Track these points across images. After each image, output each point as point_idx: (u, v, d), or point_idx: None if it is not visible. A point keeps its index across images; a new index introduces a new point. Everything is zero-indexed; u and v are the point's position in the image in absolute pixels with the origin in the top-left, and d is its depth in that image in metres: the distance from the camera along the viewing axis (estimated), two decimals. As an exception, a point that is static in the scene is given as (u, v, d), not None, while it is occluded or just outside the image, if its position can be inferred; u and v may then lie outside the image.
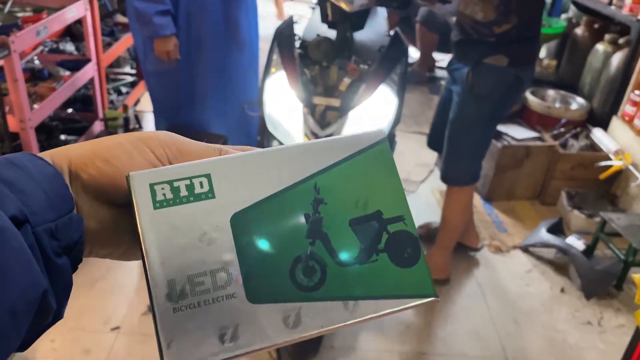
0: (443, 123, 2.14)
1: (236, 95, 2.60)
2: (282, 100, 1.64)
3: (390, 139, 1.68)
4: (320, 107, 1.60)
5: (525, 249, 2.57)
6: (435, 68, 4.75)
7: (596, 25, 3.46)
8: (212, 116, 2.64)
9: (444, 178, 2.12)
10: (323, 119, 1.59)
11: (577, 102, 3.24)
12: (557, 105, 3.26)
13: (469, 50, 1.87)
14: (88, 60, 2.73)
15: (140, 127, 2.80)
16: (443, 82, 3.92)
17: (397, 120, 1.68)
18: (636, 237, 2.26)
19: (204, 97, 2.57)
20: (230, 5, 2.42)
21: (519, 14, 1.75)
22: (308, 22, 2.33)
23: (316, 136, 1.55)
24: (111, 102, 3.31)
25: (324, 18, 1.74)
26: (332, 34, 1.75)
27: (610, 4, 3.11)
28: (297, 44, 1.75)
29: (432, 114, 3.87)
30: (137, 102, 3.64)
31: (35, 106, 2.19)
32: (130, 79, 3.67)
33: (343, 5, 1.57)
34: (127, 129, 2.73)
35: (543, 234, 2.54)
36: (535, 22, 1.85)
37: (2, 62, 1.94)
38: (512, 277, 2.38)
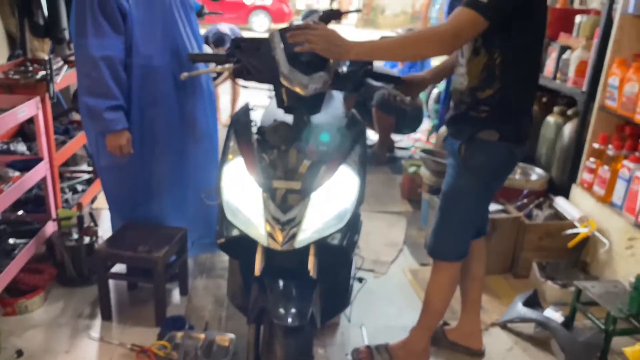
0: None
1: (194, 186, 2.53)
2: (240, 187, 1.58)
3: (355, 219, 1.62)
4: (281, 191, 1.53)
5: (503, 326, 2.47)
6: (395, 148, 4.84)
7: (544, 99, 3.61)
8: (170, 209, 2.55)
9: (432, 252, 2.03)
10: (284, 203, 1.52)
11: (536, 173, 3.29)
12: (518, 177, 3.30)
13: (461, 126, 1.86)
14: (40, 160, 2.64)
15: (96, 225, 2.67)
16: (404, 161, 3.97)
17: (360, 200, 1.63)
18: (614, 305, 2.20)
19: (160, 190, 2.50)
20: (185, 97, 2.41)
21: (503, 80, 1.75)
22: (265, 109, 2.33)
23: (278, 222, 1.48)
24: (66, 201, 3.19)
25: (280, 103, 1.73)
26: (289, 118, 1.73)
27: (554, 78, 3.25)
28: (254, 129, 1.72)
29: (395, 193, 3.89)
30: (94, 200, 3.52)
31: (-21, 210, 2.05)
32: (86, 176, 3.57)
33: (298, 90, 1.56)
34: (81, 228, 2.60)
35: (520, 309, 2.46)
36: (521, 91, 1.82)
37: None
38: (494, 356, 2.26)
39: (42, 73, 2.78)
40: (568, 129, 3.16)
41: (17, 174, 2.49)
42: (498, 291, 2.74)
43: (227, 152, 1.67)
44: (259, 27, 13.93)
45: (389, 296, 2.61)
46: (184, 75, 1.75)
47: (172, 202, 2.54)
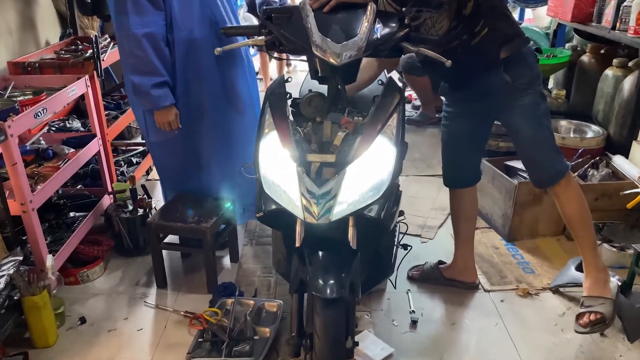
0: (457, 158, 2.24)
1: (241, 158, 2.57)
2: (276, 161, 1.58)
3: (392, 189, 1.60)
4: (315, 164, 1.53)
5: (555, 290, 2.41)
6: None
7: (602, 51, 3.40)
8: (219, 180, 2.61)
9: (545, 182, 2.03)
10: (319, 177, 1.52)
11: (593, 131, 3.13)
12: (572, 135, 3.15)
13: (472, 61, 1.89)
14: (93, 136, 2.75)
15: (150, 198, 2.78)
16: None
17: (397, 171, 1.60)
18: (674, 269, 2.10)
19: (209, 162, 2.55)
20: (226, 69, 2.42)
21: None
22: (304, 80, 2.31)
23: (313, 195, 1.48)
24: (122, 173, 3.32)
25: (314, 74, 1.71)
26: (324, 89, 1.71)
27: (613, 28, 3.04)
28: (289, 102, 1.71)
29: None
30: (149, 171, 3.65)
31: (39, 187, 2.17)
32: (141, 148, 3.70)
33: (331, 60, 1.53)
34: (135, 200, 2.71)
35: (573, 273, 2.38)
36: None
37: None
38: (545, 322, 2.22)
39: (90, 52, 2.86)
40: (628, 82, 2.97)
41: (72, 150, 2.61)
42: (550, 254, 2.66)
43: (263, 126, 1.68)
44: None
45: (435, 261, 2.60)
46: (218, 50, 1.75)
47: (221, 174, 2.60)
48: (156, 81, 2.21)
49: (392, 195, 1.59)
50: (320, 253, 1.57)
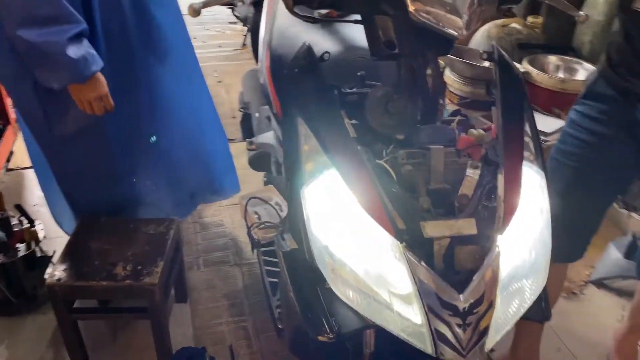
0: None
1: (180, 125, 1.83)
2: (350, 232, 0.82)
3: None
4: (442, 243, 0.79)
5: (599, 284, 1.98)
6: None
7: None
8: (153, 174, 1.78)
9: None
10: (449, 268, 0.78)
11: (585, 69, 2.65)
12: (562, 75, 2.66)
13: None
14: None
15: (32, 224, 1.79)
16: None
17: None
18: None
19: (143, 158, 1.71)
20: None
21: None
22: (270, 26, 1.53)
23: (455, 310, 0.75)
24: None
25: (374, 45, 0.91)
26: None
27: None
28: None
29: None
30: (9, 158, 2.55)
31: None
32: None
33: (451, 30, 0.76)
34: (9, 234, 1.72)
35: (621, 261, 1.95)
36: None
37: None
38: (599, 331, 1.77)
39: None
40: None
41: None
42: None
43: (296, 153, 0.88)
44: None
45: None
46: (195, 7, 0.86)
47: (156, 163, 1.77)
48: (72, 32, 1.26)
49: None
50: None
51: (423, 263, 0.76)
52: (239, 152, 2.15)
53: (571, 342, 1.74)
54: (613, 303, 1.91)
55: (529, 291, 0.83)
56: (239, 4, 3.98)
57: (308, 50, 0.96)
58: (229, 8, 4.78)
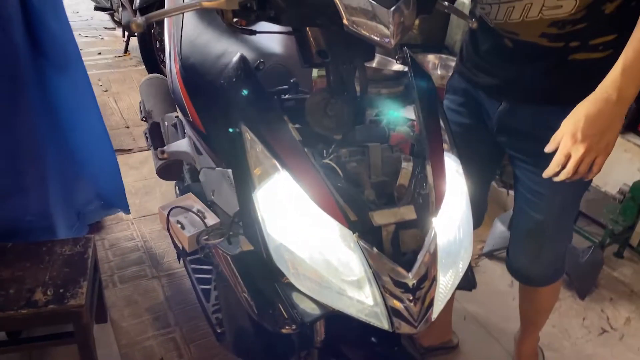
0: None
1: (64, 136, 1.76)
2: (301, 226, 0.88)
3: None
4: (388, 229, 0.88)
5: (491, 256, 2.23)
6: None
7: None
8: (57, 195, 1.69)
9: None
10: (396, 251, 0.88)
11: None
12: (439, 72, 2.92)
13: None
14: None
15: None
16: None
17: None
18: (607, 216, 2.07)
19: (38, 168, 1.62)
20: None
21: None
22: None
23: (405, 287, 0.85)
24: None
25: (307, 55, 0.98)
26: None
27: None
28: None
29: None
30: None
31: None
32: None
33: (378, 37, 0.85)
34: None
35: (504, 233, 2.21)
36: None
37: None
38: (496, 296, 2.02)
39: None
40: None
41: None
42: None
43: (243, 159, 0.93)
44: None
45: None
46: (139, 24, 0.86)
47: (42, 180, 1.68)
48: None
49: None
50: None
51: (375, 249, 0.85)
52: (138, 163, 2.10)
53: (474, 309, 1.95)
54: (504, 271, 2.15)
55: (461, 264, 0.96)
56: (119, 9, 3.85)
57: (243, 60, 1.01)
58: (108, 13, 4.59)
